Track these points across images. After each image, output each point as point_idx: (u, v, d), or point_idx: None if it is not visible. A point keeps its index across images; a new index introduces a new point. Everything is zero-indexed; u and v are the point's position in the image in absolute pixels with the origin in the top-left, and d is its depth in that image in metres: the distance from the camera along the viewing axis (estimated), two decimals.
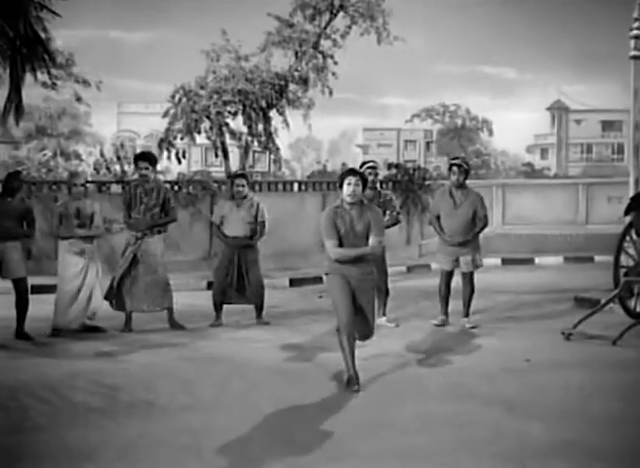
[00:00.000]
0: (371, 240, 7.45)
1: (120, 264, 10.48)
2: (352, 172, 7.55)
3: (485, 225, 10.65)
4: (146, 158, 10.59)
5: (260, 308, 11.11)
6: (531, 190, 26.16)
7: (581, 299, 12.31)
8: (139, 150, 34.16)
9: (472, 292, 10.70)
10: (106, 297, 10.50)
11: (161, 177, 19.70)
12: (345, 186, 7.38)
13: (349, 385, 7.23)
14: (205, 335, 10.26)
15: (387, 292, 10.76)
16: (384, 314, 10.74)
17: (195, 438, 5.93)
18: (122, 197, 10.98)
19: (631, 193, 12.50)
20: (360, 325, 7.53)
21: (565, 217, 24.77)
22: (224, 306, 11.10)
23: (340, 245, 7.41)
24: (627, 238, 10.76)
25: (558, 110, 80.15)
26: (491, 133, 74.27)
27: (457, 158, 11.04)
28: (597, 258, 19.94)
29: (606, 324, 9.99)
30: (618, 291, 10.30)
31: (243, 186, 10.90)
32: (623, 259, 10.84)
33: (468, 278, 10.66)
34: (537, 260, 19.95)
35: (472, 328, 10.45)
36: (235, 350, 9.28)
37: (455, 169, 10.53)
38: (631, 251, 10.74)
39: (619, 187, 25.01)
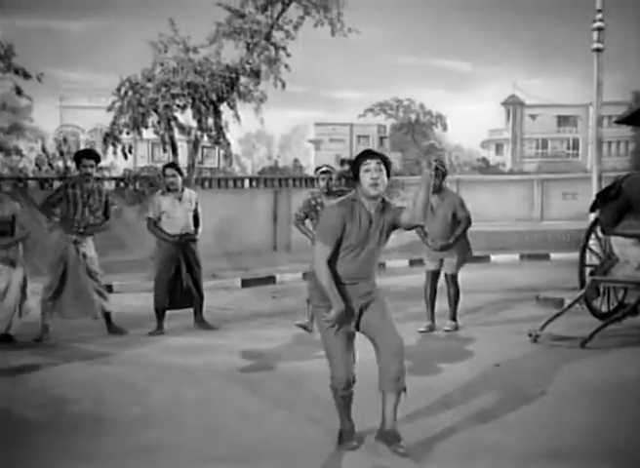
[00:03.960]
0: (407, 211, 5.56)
1: (54, 271, 9.95)
2: (370, 153, 5.52)
3: (467, 226, 10.29)
4: (91, 155, 10.18)
5: (201, 309, 10.71)
6: (485, 186, 26.29)
7: (544, 299, 12.33)
8: (82, 146, 33.48)
9: (457, 293, 10.44)
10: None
11: (106, 174, 19.48)
12: (364, 174, 5.44)
13: (343, 441, 5.74)
14: (151, 342, 9.90)
15: None
16: None
17: (149, 456, 5.64)
18: (52, 196, 10.18)
19: (594, 189, 12.48)
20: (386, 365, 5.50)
21: (520, 214, 24.96)
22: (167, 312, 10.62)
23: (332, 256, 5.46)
24: (592, 236, 10.72)
25: (513, 105, 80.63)
26: (445, 128, 74.48)
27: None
28: (553, 256, 20.19)
29: (571, 324, 9.95)
30: (584, 290, 10.28)
31: (174, 176, 10.41)
32: (588, 258, 10.83)
33: (450, 279, 10.43)
34: (492, 258, 20.01)
35: (450, 331, 10.26)
36: (186, 357, 8.94)
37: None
38: (596, 249, 10.72)
39: (574, 183, 25.35)
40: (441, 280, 10.49)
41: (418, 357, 8.52)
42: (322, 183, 10.15)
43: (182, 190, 10.54)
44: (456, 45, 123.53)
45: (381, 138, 76.78)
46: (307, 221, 10.35)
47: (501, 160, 75.28)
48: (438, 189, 10.21)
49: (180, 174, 10.61)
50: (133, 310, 12.03)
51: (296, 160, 63.93)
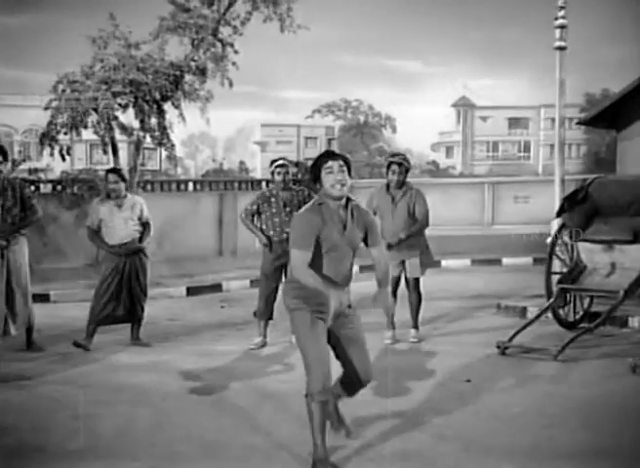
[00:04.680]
0: (375, 251, 5.63)
1: None
2: (332, 155, 5.55)
3: (423, 225, 9.95)
4: None
5: (139, 325, 10.16)
6: (435, 190, 26.10)
7: (505, 307, 12.15)
8: (16, 147, 32.62)
9: (419, 299, 10.11)
10: None
11: (42, 176, 18.93)
12: (326, 176, 5.43)
13: None
14: (94, 360, 9.25)
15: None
16: None
17: None
18: None
19: (557, 193, 12.34)
20: (350, 374, 5.63)
21: (471, 218, 24.89)
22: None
23: (315, 262, 5.41)
24: (559, 242, 10.55)
25: (463, 107, 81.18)
26: (394, 130, 74.74)
27: (396, 155, 10.36)
28: (505, 261, 20.29)
29: (536, 334, 9.72)
30: (553, 299, 10.08)
31: (116, 182, 9.90)
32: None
33: (413, 284, 10.05)
34: (443, 263, 19.98)
35: (415, 341, 9.97)
36: (135, 376, 8.34)
37: (395, 167, 9.91)
38: (562, 255, 10.56)
39: (525, 186, 25.50)
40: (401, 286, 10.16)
41: (383, 375, 7.98)
42: (278, 178, 9.88)
43: (125, 197, 10.07)
44: (405, 44, 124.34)
45: (330, 140, 76.78)
46: (256, 219, 10.03)
47: (452, 163, 75.81)
48: (401, 185, 9.98)
49: (124, 180, 10.12)
50: (70, 322, 11.52)
51: (241, 162, 63.68)
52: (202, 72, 17.18)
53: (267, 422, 6.55)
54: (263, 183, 22.52)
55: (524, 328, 9.55)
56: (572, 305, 10.57)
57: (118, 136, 17.41)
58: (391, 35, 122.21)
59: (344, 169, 5.45)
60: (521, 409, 6.93)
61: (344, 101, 74.66)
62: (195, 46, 17.18)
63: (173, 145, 17.63)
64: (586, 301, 10.73)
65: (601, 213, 10.17)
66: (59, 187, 18.18)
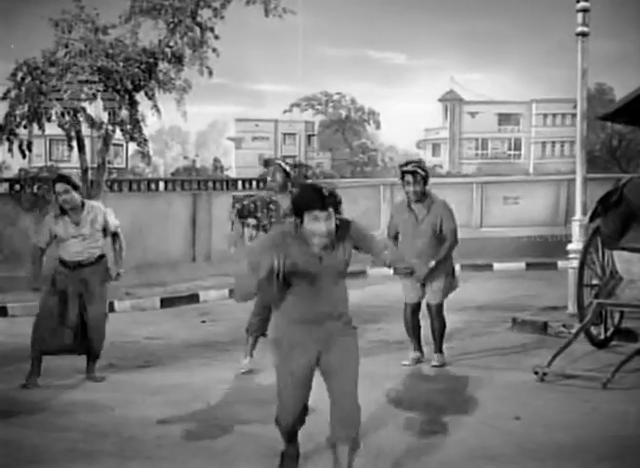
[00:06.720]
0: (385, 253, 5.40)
1: None
2: (321, 201, 4.92)
3: (452, 244, 9.45)
4: None
5: (96, 356, 9.05)
6: None
7: (523, 322, 11.63)
8: None
9: (443, 326, 9.46)
10: None
11: None
12: (309, 222, 4.93)
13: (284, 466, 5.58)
14: (64, 390, 8.40)
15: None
16: None
17: None
18: None
19: (579, 195, 11.81)
20: (336, 412, 5.06)
21: (458, 220, 24.61)
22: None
23: (288, 296, 5.20)
24: (591, 250, 10.02)
25: (451, 101, 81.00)
26: (378, 125, 74.62)
27: (409, 163, 9.41)
28: (496, 266, 20.08)
29: (569, 355, 9.02)
30: (590, 316, 9.49)
31: (67, 192, 8.58)
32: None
33: (435, 310, 9.38)
34: None
35: (438, 366, 9.32)
36: (115, 416, 7.37)
37: (409, 178, 9.10)
38: (592, 265, 10.02)
39: (515, 186, 25.34)
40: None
41: (413, 408, 7.48)
42: (280, 180, 9.08)
43: (83, 206, 8.80)
44: (389, 36, 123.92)
45: (309, 136, 76.61)
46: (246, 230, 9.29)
47: (438, 161, 75.68)
48: (421, 196, 9.21)
49: (75, 188, 8.76)
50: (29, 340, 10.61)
51: (216, 160, 63.18)
52: (178, 59, 16.60)
53: None
54: (240, 183, 22.21)
55: (562, 350, 8.85)
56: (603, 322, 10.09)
57: (84, 129, 16.79)
58: (375, 26, 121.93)
59: (331, 216, 4.94)
60: (595, 455, 6.08)
61: (325, 95, 74.50)
62: (171, 30, 16.54)
63: (145, 140, 17.00)
64: (617, 317, 10.23)
65: (638, 218, 9.64)
66: (16, 187, 17.62)
